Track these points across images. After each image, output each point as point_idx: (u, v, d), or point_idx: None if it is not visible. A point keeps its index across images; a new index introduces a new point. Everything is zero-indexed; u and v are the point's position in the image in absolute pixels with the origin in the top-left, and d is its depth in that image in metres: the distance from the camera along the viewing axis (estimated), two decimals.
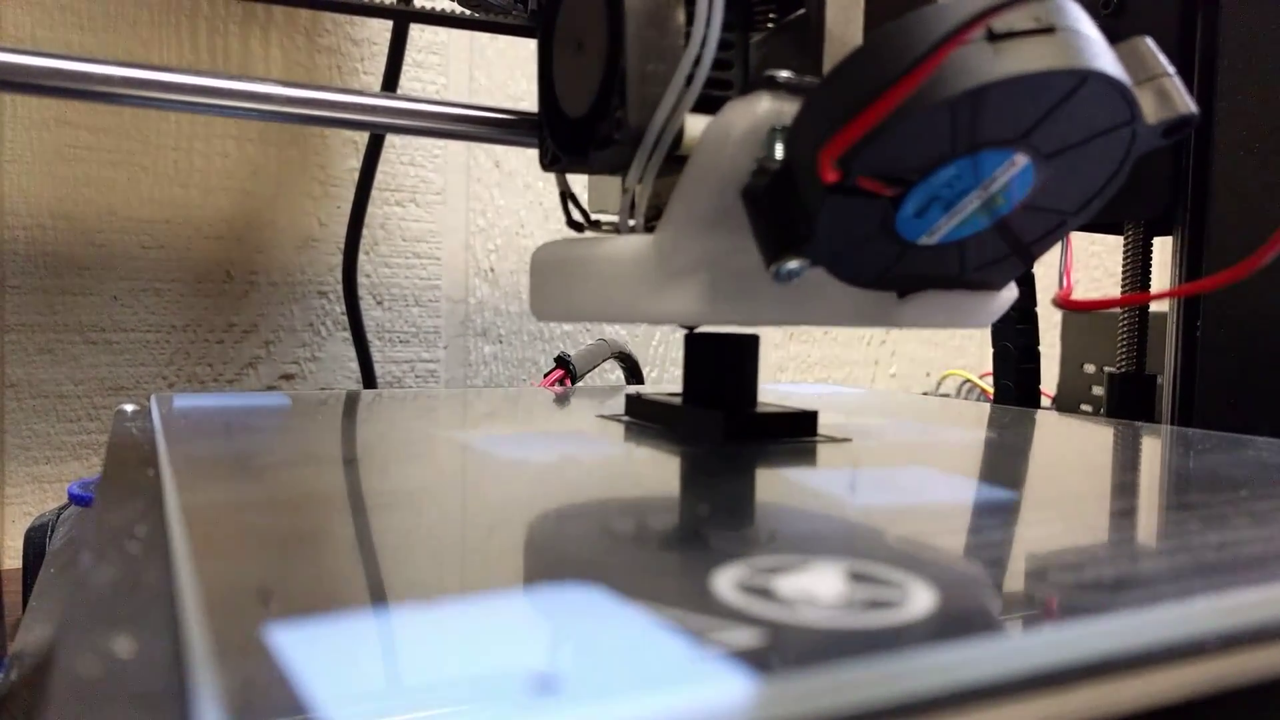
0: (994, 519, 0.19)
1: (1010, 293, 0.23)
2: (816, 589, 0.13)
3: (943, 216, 0.20)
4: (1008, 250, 0.22)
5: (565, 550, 0.16)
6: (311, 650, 0.10)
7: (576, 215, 0.27)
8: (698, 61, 0.21)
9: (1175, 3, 0.38)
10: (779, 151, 0.20)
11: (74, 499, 0.33)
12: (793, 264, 0.20)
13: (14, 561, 0.50)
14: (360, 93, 0.38)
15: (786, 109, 0.20)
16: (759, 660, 0.10)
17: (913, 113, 0.18)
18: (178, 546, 0.15)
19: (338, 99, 0.37)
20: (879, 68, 0.18)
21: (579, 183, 0.28)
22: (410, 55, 0.58)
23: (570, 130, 0.24)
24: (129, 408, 0.34)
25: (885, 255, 0.21)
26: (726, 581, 0.13)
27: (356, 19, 0.57)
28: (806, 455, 0.25)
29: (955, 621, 0.12)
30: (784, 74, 0.21)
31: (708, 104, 0.22)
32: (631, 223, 0.23)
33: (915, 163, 0.19)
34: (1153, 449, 0.30)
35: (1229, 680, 0.12)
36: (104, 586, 0.14)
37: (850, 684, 0.10)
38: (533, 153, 0.64)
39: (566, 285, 0.24)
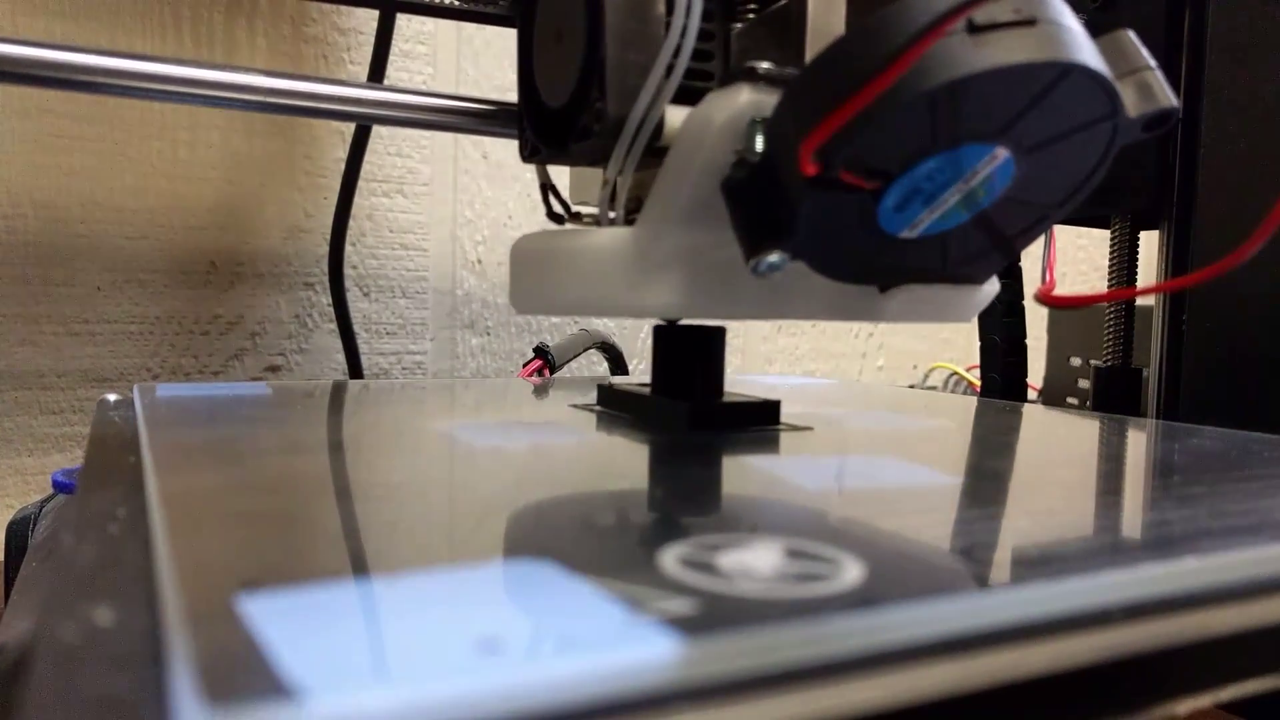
0: (936, 501, 0.19)
1: (992, 287, 0.23)
2: (754, 564, 0.14)
3: (924, 210, 0.20)
4: (990, 244, 0.21)
5: (526, 529, 0.17)
6: (282, 619, 0.11)
7: (557, 207, 0.27)
8: (678, 52, 0.21)
9: None
10: (759, 144, 0.20)
11: (58, 486, 0.33)
12: (772, 257, 0.20)
13: None
14: (347, 83, 0.37)
15: (766, 100, 0.20)
16: (694, 625, 0.11)
17: (893, 104, 0.17)
18: (157, 527, 0.15)
19: (324, 90, 0.37)
20: (859, 59, 0.17)
21: (560, 175, 0.28)
22: (397, 45, 0.57)
23: (550, 121, 0.24)
24: (112, 397, 0.34)
25: (866, 249, 0.21)
26: (671, 557, 0.14)
27: (343, 8, 0.56)
28: (766, 443, 0.25)
29: (876, 592, 0.13)
30: (764, 65, 0.21)
31: (688, 95, 0.22)
32: (612, 215, 0.23)
33: (896, 155, 0.19)
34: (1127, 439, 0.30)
35: (1130, 647, 0.13)
36: (86, 564, 0.15)
37: (774, 646, 0.11)
38: None
39: (546, 278, 0.24)
